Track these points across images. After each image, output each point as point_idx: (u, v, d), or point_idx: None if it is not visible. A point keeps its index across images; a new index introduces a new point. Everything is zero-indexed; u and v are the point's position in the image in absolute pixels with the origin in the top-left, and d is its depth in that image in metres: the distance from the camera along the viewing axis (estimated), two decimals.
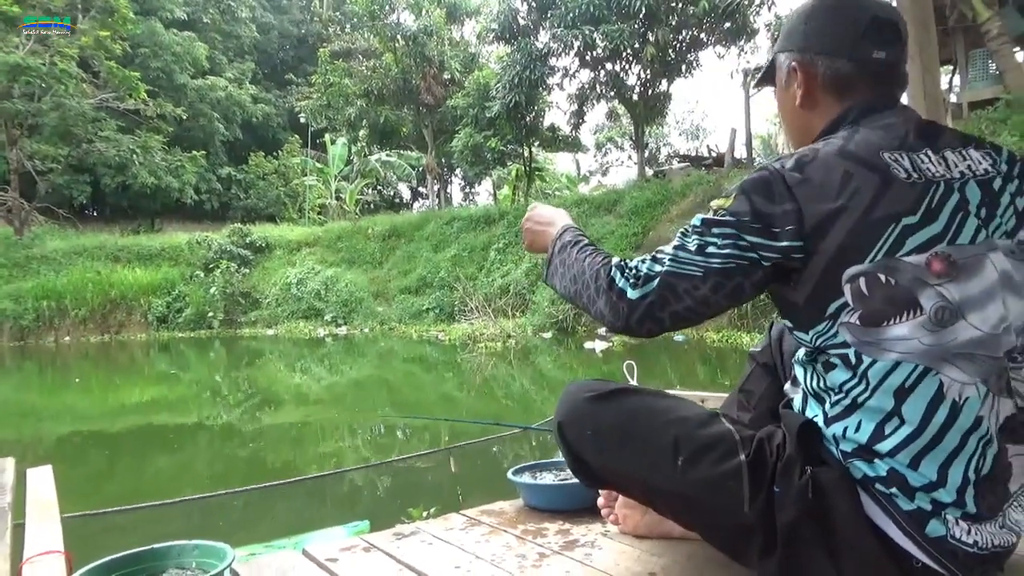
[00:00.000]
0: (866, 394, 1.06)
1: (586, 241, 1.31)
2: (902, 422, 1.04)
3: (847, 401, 1.08)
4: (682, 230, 1.15)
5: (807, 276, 1.06)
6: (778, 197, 1.06)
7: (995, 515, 1.06)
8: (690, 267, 1.11)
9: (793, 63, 1.22)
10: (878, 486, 1.06)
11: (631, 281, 1.14)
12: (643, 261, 1.16)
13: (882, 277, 1.02)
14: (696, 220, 1.14)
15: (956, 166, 1.09)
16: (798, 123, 1.26)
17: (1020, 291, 1.06)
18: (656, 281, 1.12)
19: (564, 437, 1.31)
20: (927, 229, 1.03)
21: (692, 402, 1.31)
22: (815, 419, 1.14)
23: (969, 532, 1.04)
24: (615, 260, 1.20)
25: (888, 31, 1.16)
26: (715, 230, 1.10)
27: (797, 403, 1.21)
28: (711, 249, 1.10)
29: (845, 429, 1.09)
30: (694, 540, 1.43)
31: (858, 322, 1.04)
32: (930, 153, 1.09)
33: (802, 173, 1.06)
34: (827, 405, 1.12)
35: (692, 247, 1.11)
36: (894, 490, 1.05)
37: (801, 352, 1.20)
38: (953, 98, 14.58)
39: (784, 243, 1.05)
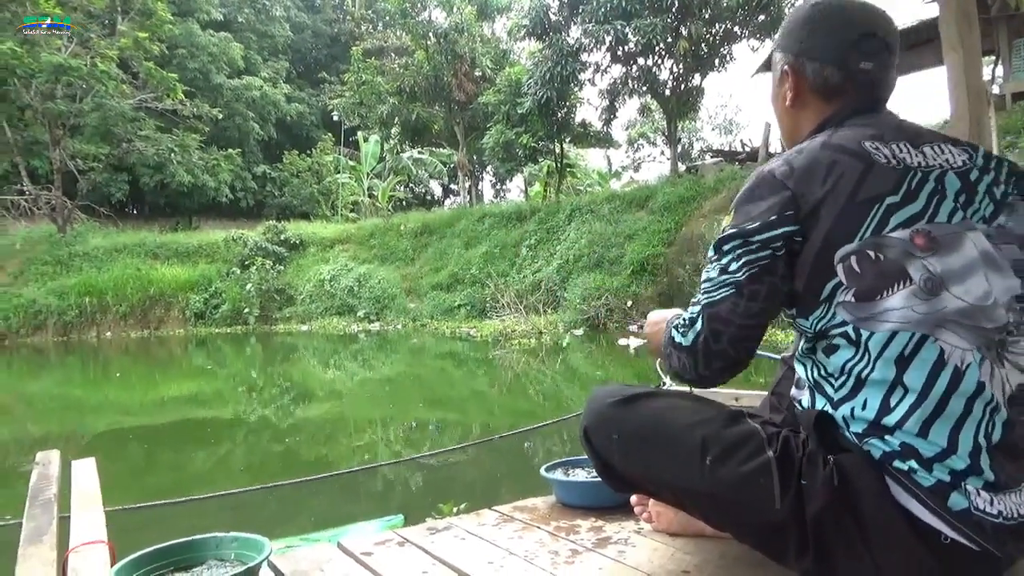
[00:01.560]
0: (868, 368, 1.09)
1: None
2: (906, 391, 1.06)
3: (851, 381, 1.11)
4: (704, 267, 1.23)
5: (803, 261, 1.12)
6: (771, 191, 1.14)
7: (1018, 486, 1.07)
8: (721, 289, 1.17)
9: (786, 65, 1.30)
10: (896, 463, 1.07)
11: (681, 330, 1.22)
12: (687, 309, 1.24)
13: (871, 254, 1.08)
14: (710, 250, 1.21)
15: (935, 158, 1.15)
16: (788, 120, 1.34)
17: (1002, 270, 1.10)
18: (700, 318, 1.19)
19: (590, 442, 1.33)
20: (908, 208, 1.10)
21: (717, 402, 1.32)
22: (824, 408, 1.16)
23: (992, 503, 1.05)
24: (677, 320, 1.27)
25: (877, 44, 1.22)
26: (726, 247, 1.17)
27: (805, 402, 1.23)
28: (732, 266, 1.16)
29: (852, 409, 1.11)
30: (727, 538, 1.42)
31: (853, 299, 1.09)
32: (909, 145, 1.16)
33: (790, 167, 1.14)
34: (831, 390, 1.15)
35: (715, 273, 1.18)
36: (911, 463, 1.06)
37: (801, 344, 1.23)
38: (996, 89, 14.19)
39: (786, 228, 1.12)
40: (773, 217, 1.12)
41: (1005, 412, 1.07)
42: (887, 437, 1.08)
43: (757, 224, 1.13)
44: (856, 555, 1.09)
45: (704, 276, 1.21)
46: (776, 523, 1.13)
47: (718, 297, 1.17)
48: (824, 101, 1.26)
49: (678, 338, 1.22)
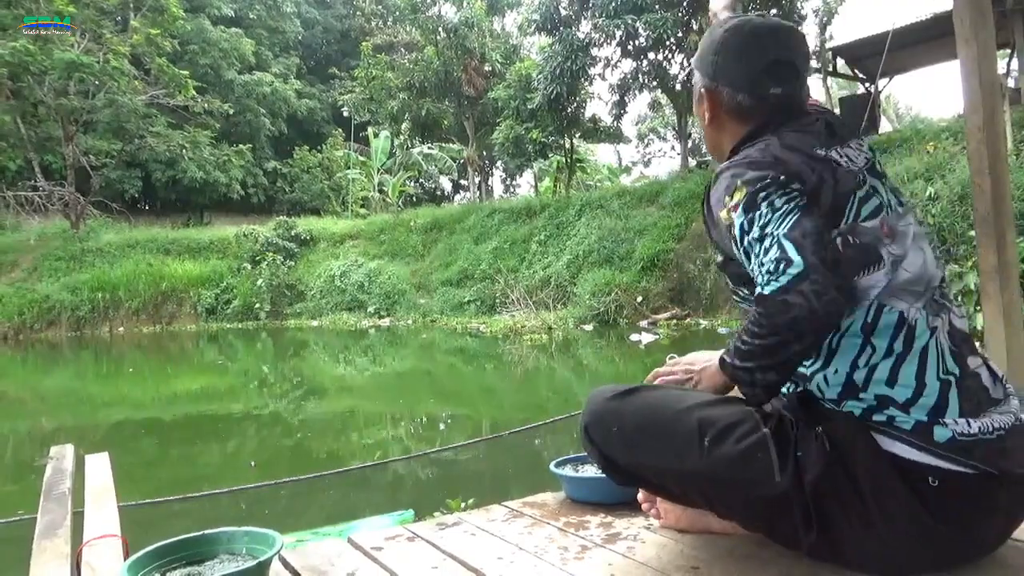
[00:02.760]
0: (837, 338, 1.18)
1: (734, 341, 1.23)
2: (874, 350, 1.16)
3: (822, 354, 1.19)
4: (739, 231, 1.17)
5: None
6: (775, 166, 1.19)
7: (989, 410, 1.15)
8: (790, 215, 1.11)
9: (703, 88, 1.37)
10: (875, 417, 1.15)
11: (773, 275, 1.09)
12: (760, 266, 1.13)
13: (851, 238, 1.17)
14: (740, 213, 1.17)
15: (859, 155, 1.26)
16: (710, 135, 1.42)
17: (925, 240, 1.24)
18: (787, 246, 1.08)
19: (591, 438, 1.38)
20: (872, 200, 1.20)
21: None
22: (800, 385, 1.24)
23: (970, 424, 1.13)
24: (753, 306, 1.16)
25: (785, 71, 1.29)
26: (762, 195, 1.15)
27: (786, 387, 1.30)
28: (778, 201, 1.14)
29: (825, 376, 1.19)
30: (736, 535, 1.42)
31: None
32: (841, 148, 1.25)
33: (775, 158, 1.20)
34: (803, 368, 1.22)
35: (767, 216, 1.13)
36: (890, 411, 1.14)
37: None
38: (1011, 83, 14.06)
39: (801, 186, 1.17)
40: (790, 175, 1.17)
41: (952, 349, 1.18)
42: (861, 395, 1.16)
43: (782, 177, 1.16)
44: (855, 516, 1.14)
45: (756, 229, 1.13)
46: (778, 497, 1.17)
47: (793, 219, 1.10)
48: (740, 122, 1.33)
49: (777, 282, 1.08)
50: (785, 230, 1.10)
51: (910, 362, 1.15)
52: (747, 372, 1.16)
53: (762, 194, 1.14)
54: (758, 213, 1.14)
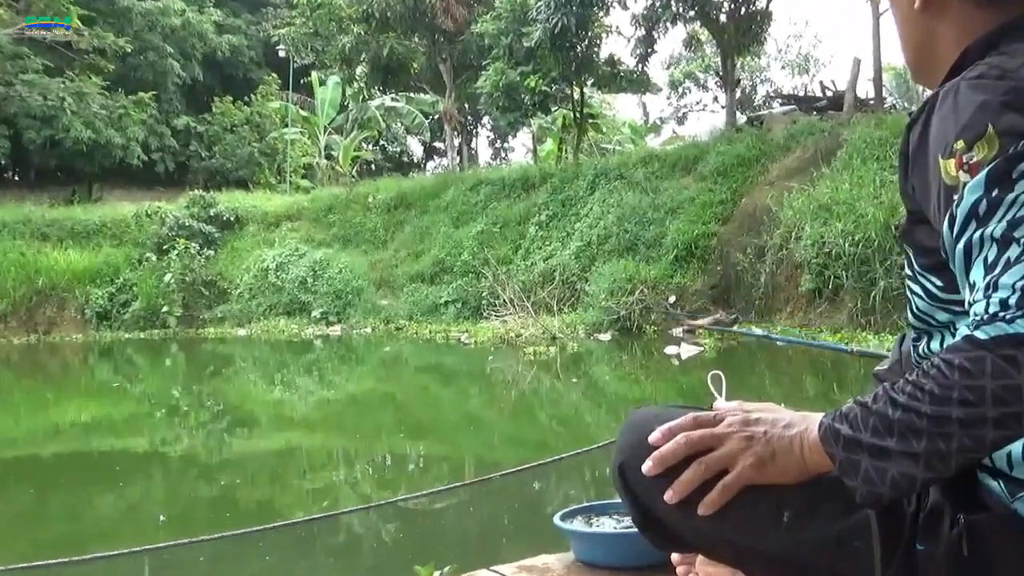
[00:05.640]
0: None
1: (862, 400, 1.03)
2: None
3: None
4: (966, 209, 0.96)
5: None
6: None
7: None
8: None
9: None
10: None
11: (1007, 315, 0.90)
12: (991, 289, 0.93)
13: None
14: (978, 185, 0.95)
15: None
16: (915, 31, 1.20)
17: None
18: None
19: (627, 483, 1.26)
20: None
21: None
22: None
23: None
24: (957, 337, 0.97)
25: None
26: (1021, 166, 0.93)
27: None
28: None
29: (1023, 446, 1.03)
30: None
31: None
32: None
33: None
34: None
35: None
36: None
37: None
38: None
39: None
40: None
41: None
42: None
43: None
44: None
45: (999, 222, 0.93)
46: None
47: None
48: (975, 4, 1.11)
49: (1011, 327, 0.88)
50: None
51: None
52: (879, 455, 0.98)
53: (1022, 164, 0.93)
54: (1012, 197, 0.92)
